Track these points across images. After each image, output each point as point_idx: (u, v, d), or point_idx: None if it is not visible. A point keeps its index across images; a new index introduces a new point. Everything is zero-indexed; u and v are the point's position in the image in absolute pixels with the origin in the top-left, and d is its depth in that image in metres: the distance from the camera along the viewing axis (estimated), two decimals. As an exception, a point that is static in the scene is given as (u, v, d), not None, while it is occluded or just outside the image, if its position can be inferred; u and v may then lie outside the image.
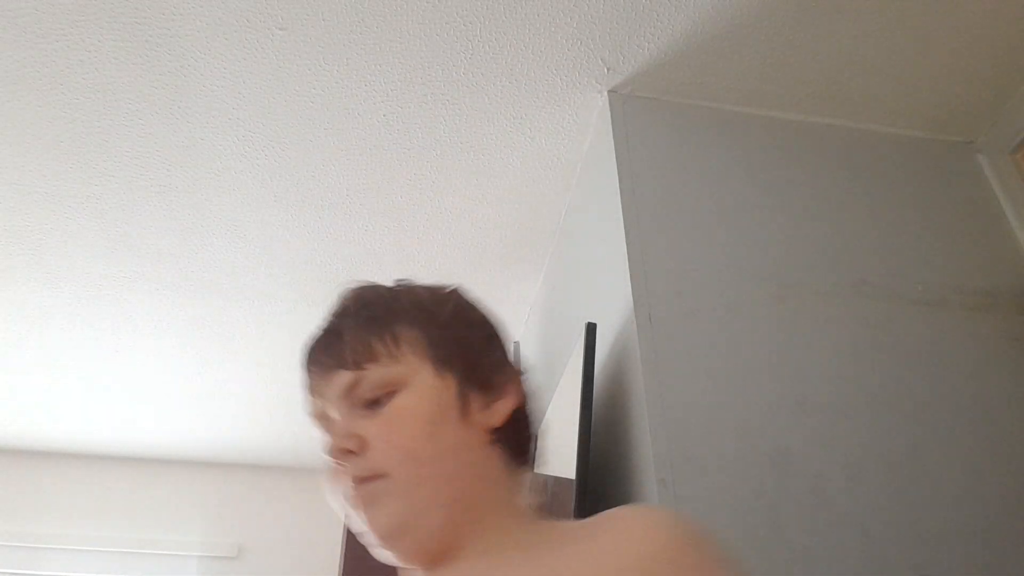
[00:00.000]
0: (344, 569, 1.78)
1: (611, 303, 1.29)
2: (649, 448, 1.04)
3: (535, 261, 1.97)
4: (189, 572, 2.84)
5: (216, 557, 2.87)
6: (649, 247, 1.26)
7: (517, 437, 0.75)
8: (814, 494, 1.05)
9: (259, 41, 1.40)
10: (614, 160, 1.38)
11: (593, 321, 1.20)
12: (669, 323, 1.18)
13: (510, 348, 0.82)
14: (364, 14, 1.35)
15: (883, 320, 1.27)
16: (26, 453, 2.91)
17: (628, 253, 1.24)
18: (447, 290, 0.80)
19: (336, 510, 0.72)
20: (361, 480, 0.68)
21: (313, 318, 2.31)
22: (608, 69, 1.45)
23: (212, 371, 2.40)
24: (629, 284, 1.20)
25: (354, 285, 0.80)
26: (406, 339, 0.73)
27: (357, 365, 0.71)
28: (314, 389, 0.75)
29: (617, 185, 1.34)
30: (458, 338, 0.75)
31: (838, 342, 1.22)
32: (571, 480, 1.05)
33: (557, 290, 1.82)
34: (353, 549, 1.47)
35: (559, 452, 1.19)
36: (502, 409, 0.73)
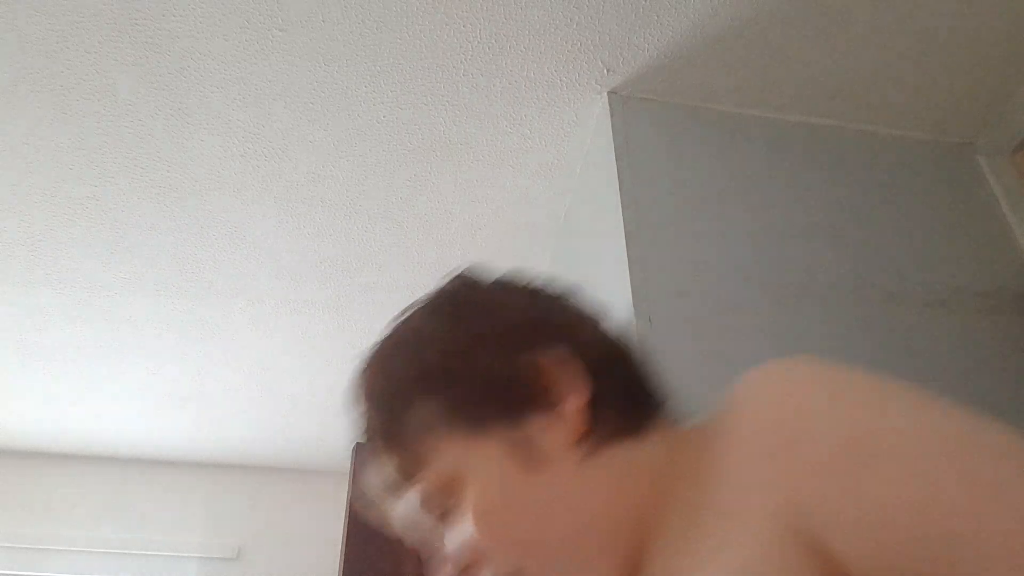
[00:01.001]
0: (344, 571, 1.78)
1: (611, 305, 1.29)
2: (649, 450, 1.04)
3: (535, 263, 1.97)
4: (188, 574, 2.83)
5: (215, 559, 2.87)
6: (649, 249, 1.26)
7: (616, 410, 0.60)
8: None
9: (259, 42, 1.40)
10: (614, 161, 1.38)
11: (593, 322, 1.20)
12: (669, 325, 1.17)
13: (547, 315, 0.66)
14: (364, 16, 1.35)
15: (883, 321, 1.26)
16: (25, 454, 2.91)
17: (628, 255, 1.24)
18: (423, 311, 0.68)
19: None
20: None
21: (314, 319, 2.31)
22: (608, 71, 1.45)
23: (212, 372, 2.40)
24: (629, 286, 1.20)
25: (359, 373, 0.69)
26: (426, 425, 0.60)
27: (407, 478, 0.61)
28: (383, 505, 0.65)
29: (617, 186, 1.34)
30: (466, 374, 0.61)
31: (838, 344, 1.22)
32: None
33: (557, 291, 1.82)
34: (353, 551, 1.47)
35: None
36: (573, 411, 0.59)
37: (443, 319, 0.65)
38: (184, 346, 2.27)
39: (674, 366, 1.13)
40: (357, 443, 1.50)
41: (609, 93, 1.49)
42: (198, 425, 2.74)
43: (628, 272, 1.22)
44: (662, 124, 1.48)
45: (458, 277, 0.69)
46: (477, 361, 0.61)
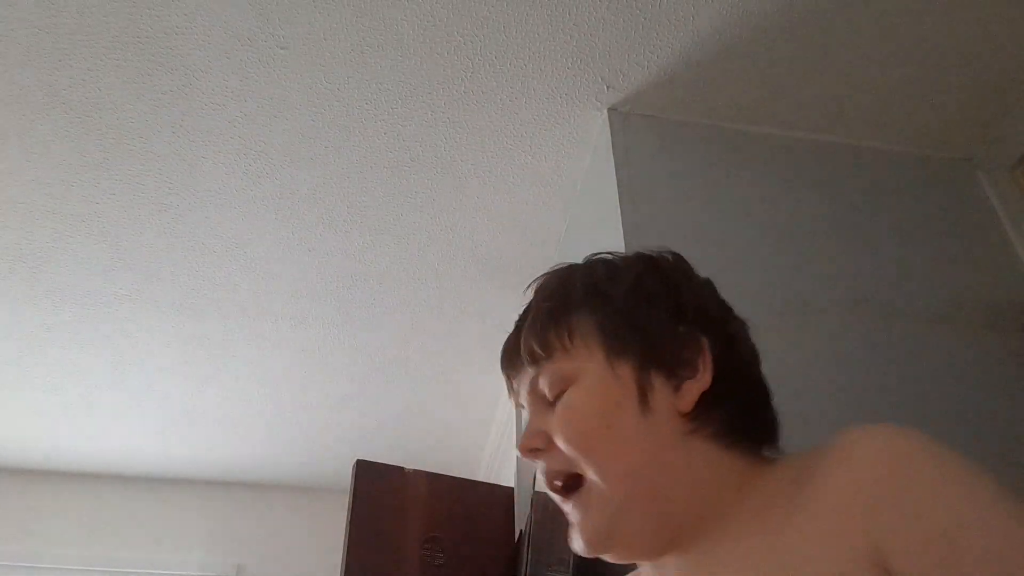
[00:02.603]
0: (344, 589, 1.77)
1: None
2: (650, 466, 1.03)
3: (534, 277, 1.97)
4: (188, 592, 2.82)
5: (216, 577, 2.86)
6: (649, 264, 1.26)
7: (724, 416, 0.66)
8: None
9: (260, 60, 1.40)
10: (614, 177, 1.38)
11: (594, 338, 1.20)
12: (670, 340, 1.17)
13: (710, 308, 0.75)
14: (364, 34, 1.36)
15: (885, 336, 1.26)
16: (25, 472, 2.90)
17: (628, 270, 1.24)
18: (631, 261, 0.76)
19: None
20: (560, 478, 0.66)
21: (314, 336, 2.31)
22: (608, 87, 1.46)
23: (212, 390, 2.39)
24: (630, 301, 1.20)
25: (547, 272, 0.78)
26: (579, 330, 0.69)
27: (534, 362, 0.69)
28: (510, 387, 0.74)
29: (617, 202, 1.34)
30: (633, 319, 0.69)
31: (840, 358, 1.22)
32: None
33: (558, 307, 1.81)
34: (353, 569, 1.46)
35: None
36: (691, 390, 0.65)
37: (642, 272, 0.74)
38: (184, 362, 2.26)
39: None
40: (358, 460, 1.50)
41: (609, 110, 1.50)
42: (198, 442, 2.73)
43: (629, 288, 1.22)
44: (662, 140, 1.48)
45: (663, 252, 0.78)
46: (650, 309, 0.70)
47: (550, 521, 1.20)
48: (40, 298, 1.98)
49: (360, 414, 2.55)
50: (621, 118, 1.49)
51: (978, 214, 1.51)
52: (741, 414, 0.68)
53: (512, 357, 0.73)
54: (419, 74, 1.43)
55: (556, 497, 0.68)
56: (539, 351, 0.69)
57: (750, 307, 1.26)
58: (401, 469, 1.52)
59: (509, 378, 0.74)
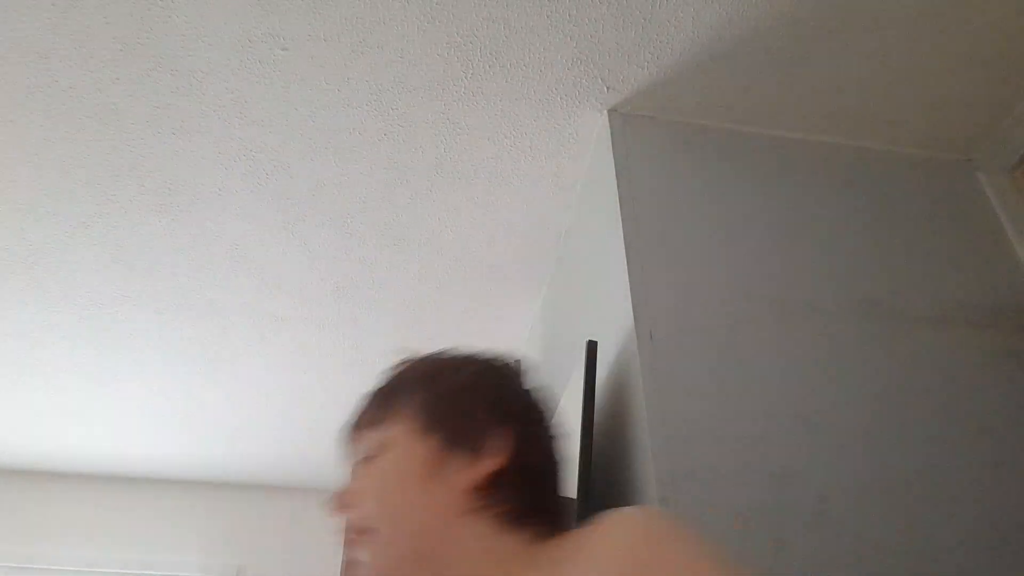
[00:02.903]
0: (344, 590, 1.76)
1: (612, 321, 1.29)
2: (651, 466, 1.03)
3: (536, 279, 1.97)
4: (188, 593, 2.82)
5: (215, 578, 2.86)
6: (650, 265, 1.26)
7: (508, 497, 0.76)
8: (817, 513, 1.04)
9: (261, 62, 1.41)
10: (614, 178, 1.39)
11: (594, 339, 1.20)
12: (670, 341, 1.17)
13: (526, 409, 0.86)
14: (365, 35, 1.36)
15: (885, 337, 1.26)
16: (23, 473, 2.90)
17: (629, 271, 1.24)
18: (477, 360, 0.87)
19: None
20: (357, 531, 0.75)
21: (313, 338, 2.30)
22: (608, 88, 1.46)
23: (213, 391, 2.39)
24: (630, 302, 1.20)
25: (395, 362, 0.89)
26: (405, 406, 0.81)
27: (363, 429, 0.81)
28: (346, 452, 0.84)
29: (617, 203, 1.35)
30: (453, 404, 0.81)
31: (840, 360, 1.22)
32: (572, 499, 1.05)
33: (558, 308, 1.82)
34: (353, 570, 1.46)
35: (560, 471, 1.18)
36: (481, 468, 0.76)
37: (478, 370, 0.86)
38: (184, 364, 2.26)
39: (675, 382, 1.13)
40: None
41: (609, 111, 1.50)
42: (198, 444, 2.73)
43: (629, 289, 1.22)
44: (662, 141, 1.48)
45: (509, 358, 0.91)
46: (472, 399, 0.82)
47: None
48: (40, 299, 1.98)
49: (360, 415, 2.55)
50: (621, 119, 1.49)
51: (978, 215, 1.51)
52: (527, 502, 0.78)
53: (351, 423, 0.84)
54: (419, 75, 1.44)
55: (351, 547, 0.77)
56: (370, 417, 0.82)
57: (749, 307, 1.27)
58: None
59: (347, 441, 0.84)
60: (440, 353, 0.89)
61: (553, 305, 1.88)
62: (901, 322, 1.29)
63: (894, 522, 1.05)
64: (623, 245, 1.28)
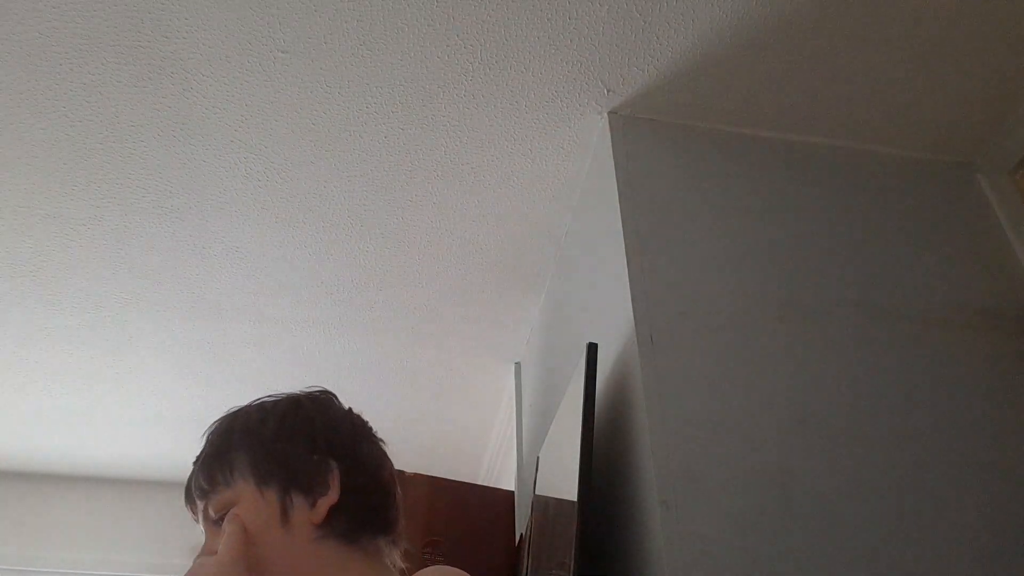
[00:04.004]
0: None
1: (612, 323, 1.29)
2: (651, 469, 1.03)
3: (536, 282, 1.97)
4: (186, 596, 2.81)
5: (215, 581, 2.85)
6: (650, 267, 1.26)
7: (349, 520, 0.86)
8: (818, 515, 1.04)
9: (260, 64, 1.41)
10: (614, 181, 1.39)
11: (594, 341, 1.20)
12: (671, 343, 1.17)
13: (342, 436, 0.94)
14: (365, 37, 1.36)
15: (886, 339, 1.26)
16: (21, 475, 2.90)
17: (629, 273, 1.24)
18: (281, 403, 0.94)
19: None
20: None
21: (314, 339, 2.31)
22: (608, 91, 1.46)
23: (212, 393, 2.39)
24: (630, 304, 1.20)
25: (218, 418, 0.97)
26: (236, 466, 0.88)
27: (203, 496, 0.87)
28: (193, 517, 0.90)
29: (618, 205, 1.35)
30: (276, 454, 0.88)
31: (841, 362, 1.22)
32: (573, 502, 1.05)
33: (558, 310, 1.82)
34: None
35: (561, 473, 1.18)
36: (323, 505, 0.85)
37: (286, 412, 0.93)
38: (184, 366, 2.26)
39: (676, 384, 1.13)
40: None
41: (610, 113, 1.50)
42: (198, 446, 2.72)
43: (629, 291, 1.22)
44: (662, 144, 1.48)
45: (312, 390, 0.98)
46: (290, 444, 0.89)
47: (550, 524, 1.20)
48: (40, 301, 1.98)
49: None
50: (622, 121, 1.49)
51: (978, 217, 1.51)
52: (364, 516, 0.88)
53: (188, 492, 0.90)
54: (419, 77, 1.44)
55: None
56: (206, 486, 0.87)
57: (749, 309, 1.27)
58: (401, 472, 1.51)
59: (190, 509, 0.90)
60: (250, 405, 0.96)
61: (553, 307, 1.88)
62: (901, 323, 1.29)
63: (894, 522, 1.05)
64: (623, 247, 1.28)
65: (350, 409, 1.01)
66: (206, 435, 0.96)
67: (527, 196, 1.70)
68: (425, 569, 0.77)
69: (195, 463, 0.93)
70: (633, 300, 1.21)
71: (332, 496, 0.86)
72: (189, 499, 0.90)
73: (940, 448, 1.15)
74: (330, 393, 1.01)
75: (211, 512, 0.85)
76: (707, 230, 1.35)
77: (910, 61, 1.42)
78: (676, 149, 1.48)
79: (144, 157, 1.59)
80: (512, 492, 1.64)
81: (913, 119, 1.53)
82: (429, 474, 1.54)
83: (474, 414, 2.55)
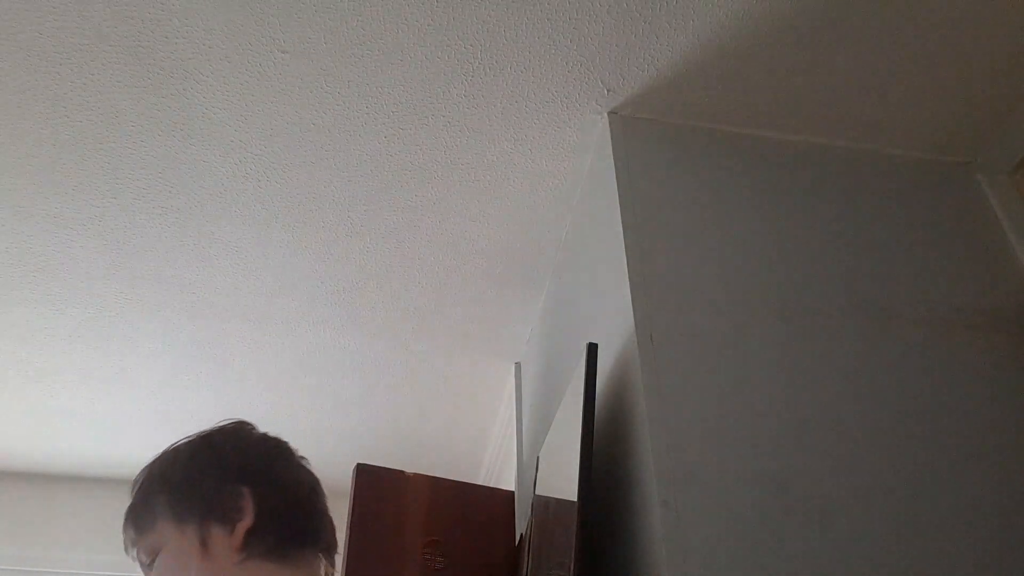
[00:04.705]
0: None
1: (612, 323, 1.29)
2: (651, 469, 1.03)
3: (536, 282, 1.97)
4: (188, 596, 2.81)
5: (215, 581, 2.85)
6: (650, 267, 1.26)
7: (271, 538, 0.92)
8: (819, 516, 1.04)
9: (261, 63, 1.41)
10: (615, 181, 1.39)
11: (594, 341, 1.20)
12: (671, 343, 1.17)
13: (252, 462, 0.99)
14: (365, 37, 1.36)
15: (886, 339, 1.26)
16: (24, 475, 2.90)
17: (629, 273, 1.24)
18: (192, 442, 1.01)
19: None
20: None
21: (314, 339, 2.31)
22: (608, 90, 1.46)
23: (213, 393, 2.39)
24: (631, 304, 1.20)
25: (143, 468, 1.03)
26: (156, 510, 0.95)
27: (134, 543, 0.95)
28: (132, 559, 0.98)
29: (618, 205, 1.35)
30: (190, 492, 0.95)
31: (840, 362, 1.22)
32: (573, 502, 1.05)
33: (558, 310, 1.82)
34: (354, 569, 1.45)
35: (561, 473, 1.18)
36: (240, 531, 0.91)
37: (195, 450, 1.00)
38: (184, 366, 2.26)
39: (676, 384, 1.13)
40: (358, 464, 1.50)
41: (610, 113, 1.50)
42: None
43: (629, 291, 1.22)
44: (663, 144, 1.49)
45: (223, 424, 1.05)
46: (202, 480, 0.96)
47: (550, 524, 1.20)
48: (40, 301, 1.98)
49: (360, 417, 2.55)
50: (622, 122, 1.49)
51: (978, 218, 1.51)
52: (285, 532, 0.93)
53: (124, 540, 0.98)
54: (419, 77, 1.44)
55: None
56: (135, 535, 0.95)
57: (750, 310, 1.27)
58: (402, 472, 1.52)
59: (131, 558, 0.97)
60: (166, 450, 1.02)
61: (553, 307, 1.88)
62: (901, 324, 1.29)
63: (894, 524, 1.05)
64: (623, 248, 1.28)
65: (264, 434, 1.07)
66: (132, 487, 1.02)
67: (527, 196, 1.70)
68: None
69: (124, 515, 1.00)
70: (633, 300, 1.21)
71: (247, 520, 0.92)
72: (126, 549, 0.98)
73: (940, 448, 1.15)
74: (243, 422, 1.07)
75: (143, 557, 0.93)
76: (707, 230, 1.35)
77: (910, 61, 1.42)
78: (676, 149, 1.48)
79: (144, 157, 1.59)
80: (512, 492, 1.64)
81: (913, 119, 1.53)
82: (429, 474, 1.54)
83: (474, 414, 2.55)
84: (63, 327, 2.07)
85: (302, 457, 1.08)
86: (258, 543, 0.91)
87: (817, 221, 1.41)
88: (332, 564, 0.98)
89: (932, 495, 1.10)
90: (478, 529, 1.52)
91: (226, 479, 0.96)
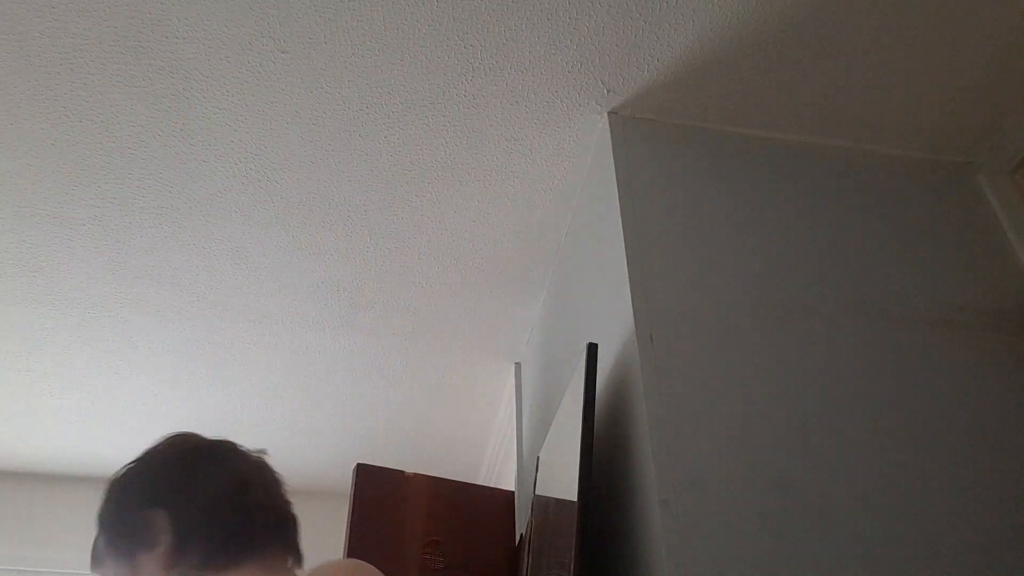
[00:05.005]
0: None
1: (612, 323, 1.29)
2: (651, 469, 1.03)
3: (536, 282, 1.97)
4: (187, 596, 2.81)
5: (215, 581, 2.85)
6: (650, 267, 1.26)
7: (199, 553, 0.93)
8: (818, 516, 1.04)
9: (261, 64, 1.41)
10: (614, 181, 1.39)
11: (594, 341, 1.20)
12: (671, 343, 1.17)
13: (172, 481, 1.00)
14: (365, 38, 1.36)
15: (885, 340, 1.26)
16: (25, 475, 2.90)
17: (629, 273, 1.24)
18: (127, 473, 1.03)
19: None
20: None
21: (315, 339, 2.30)
22: (608, 91, 1.46)
23: (213, 394, 2.39)
24: (630, 304, 1.20)
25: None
26: (103, 550, 0.99)
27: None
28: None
29: (618, 205, 1.35)
30: (117, 524, 0.99)
31: (840, 363, 1.22)
32: (573, 502, 1.05)
33: (558, 311, 1.82)
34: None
35: (561, 473, 1.18)
36: (162, 552, 0.94)
37: (117, 484, 1.03)
38: (185, 367, 2.26)
39: (676, 384, 1.13)
40: (358, 464, 1.50)
41: (610, 113, 1.50)
42: (198, 446, 2.72)
43: (629, 291, 1.22)
44: (662, 144, 1.48)
45: (159, 443, 1.07)
46: (126, 511, 0.99)
47: (550, 524, 1.20)
48: (41, 302, 1.98)
49: (361, 418, 2.55)
50: (621, 122, 1.49)
51: (978, 217, 1.51)
52: (215, 544, 0.94)
53: None
54: (420, 77, 1.44)
55: None
56: (96, 570, 0.98)
57: (750, 309, 1.27)
58: (402, 473, 1.52)
59: None
60: (104, 489, 1.04)
61: (554, 307, 1.88)
62: (902, 324, 1.29)
63: (895, 525, 1.05)
64: (623, 247, 1.28)
65: (197, 443, 1.07)
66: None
67: (527, 196, 1.70)
68: (330, 561, 0.85)
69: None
70: (633, 300, 1.21)
71: (165, 539, 0.94)
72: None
73: (940, 448, 1.15)
74: (177, 435, 1.08)
75: None
76: (707, 230, 1.35)
77: (910, 61, 1.42)
78: (676, 149, 1.48)
79: (144, 157, 1.59)
80: (512, 492, 1.64)
81: (913, 119, 1.53)
82: (429, 474, 1.54)
83: (474, 414, 2.55)
84: (63, 327, 2.07)
85: (261, 451, 1.10)
86: (186, 560, 0.93)
87: (817, 221, 1.41)
88: (291, 555, 1.00)
89: (932, 495, 1.10)
90: (478, 529, 1.52)
91: (143, 505, 0.98)
